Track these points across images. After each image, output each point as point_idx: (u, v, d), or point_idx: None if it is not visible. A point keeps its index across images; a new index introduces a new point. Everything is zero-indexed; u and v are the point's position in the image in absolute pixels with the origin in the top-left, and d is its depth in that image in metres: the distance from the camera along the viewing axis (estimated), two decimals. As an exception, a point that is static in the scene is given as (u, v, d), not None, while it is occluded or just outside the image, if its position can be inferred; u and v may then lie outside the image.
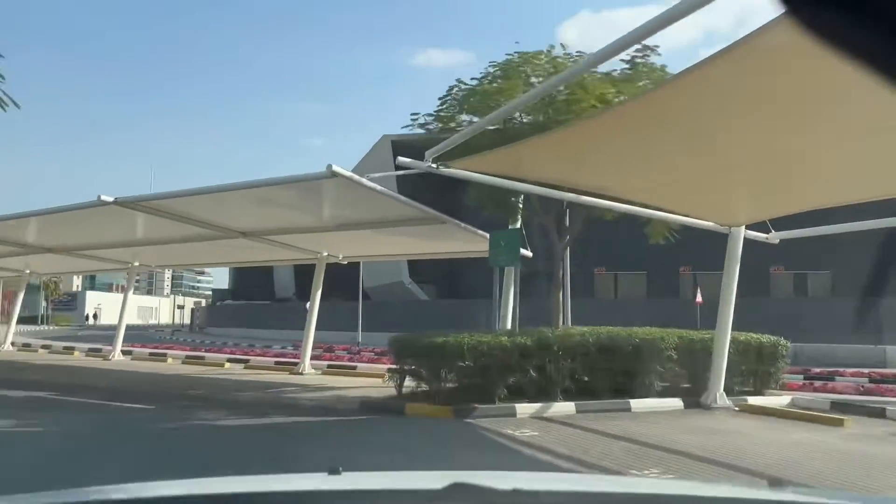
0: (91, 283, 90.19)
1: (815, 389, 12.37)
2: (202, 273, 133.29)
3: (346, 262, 17.53)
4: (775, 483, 5.26)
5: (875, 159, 7.24)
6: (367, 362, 17.67)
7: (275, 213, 12.04)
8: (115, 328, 21.75)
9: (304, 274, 27.65)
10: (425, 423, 9.27)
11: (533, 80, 11.78)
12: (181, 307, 74.17)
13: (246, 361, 18.02)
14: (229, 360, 18.23)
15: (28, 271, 23.06)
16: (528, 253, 13.10)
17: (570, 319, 14.14)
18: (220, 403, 10.87)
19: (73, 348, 23.40)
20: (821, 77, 4.85)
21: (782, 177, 8.44)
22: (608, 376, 10.38)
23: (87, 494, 1.51)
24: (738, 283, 10.89)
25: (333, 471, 1.60)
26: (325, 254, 15.87)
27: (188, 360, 19.00)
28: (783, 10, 0.76)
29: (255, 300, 45.40)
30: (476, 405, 9.56)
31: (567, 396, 10.02)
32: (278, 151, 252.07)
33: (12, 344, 23.62)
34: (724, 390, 10.60)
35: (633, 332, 10.99)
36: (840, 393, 12.03)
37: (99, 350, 21.61)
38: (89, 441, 7.90)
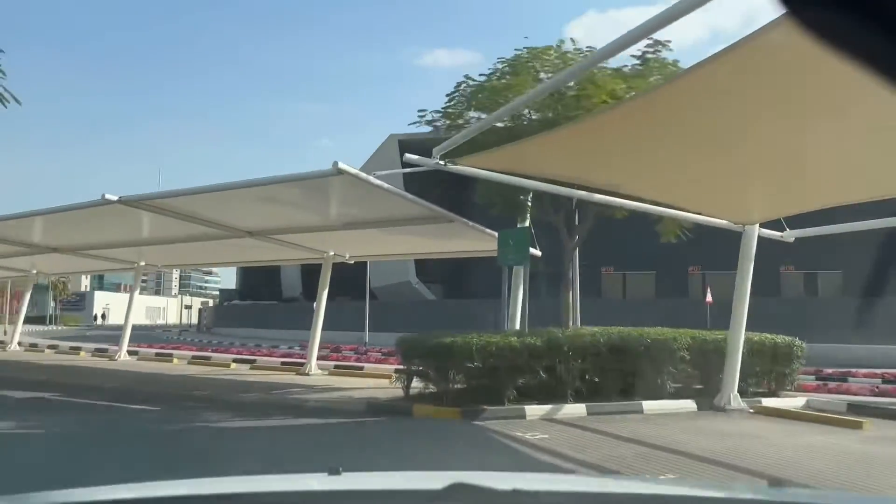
0: (99, 283, 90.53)
1: (830, 391, 12.20)
2: (210, 273, 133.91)
3: (352, 262, 17.39)
4: (775, 483, 5.09)
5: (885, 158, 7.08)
6: (374, 363, 17.61)
7: (281, 211, 11.90)
8: (122, 328, 21.72)
9: (311, 274, 27.57)
10: (433, 425, 9.12)
11: (542, 76, 11.61)
12: (189, 307, 74.47)
13: (252, 362, 17.92)
14: (235, 361, 18.12)
15: (34, 271, 23.03)
16: (537, 252, 12.92)
17: (580, 320, 13.96)
18: (226, 405, 10.76)
19: (79, 348, 23.35)
20: (828, 76, 4.72)
21: (797, 174, 8.27)
22: (619, 377, 10.19)
23: (87, 494, 1.51)
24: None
25: (333, 471, 1.61)
26: (332, 253, 15.73)
27: (194, 361, 18.91)
28: (783, 11, 0.76)
29: (263, 300, 45.53)
30: (485, 407, 9.38)
31: (577, 398, 9.83)
32: (281, 152, 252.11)
33: (19, 344, 23.61)
34: (738, 392, 10.40)
35: (644, 333, 10.75)
36: (854, 394, 11.83)
37: (105, 350, 21.54)
38: (92, 443, 7.79)
